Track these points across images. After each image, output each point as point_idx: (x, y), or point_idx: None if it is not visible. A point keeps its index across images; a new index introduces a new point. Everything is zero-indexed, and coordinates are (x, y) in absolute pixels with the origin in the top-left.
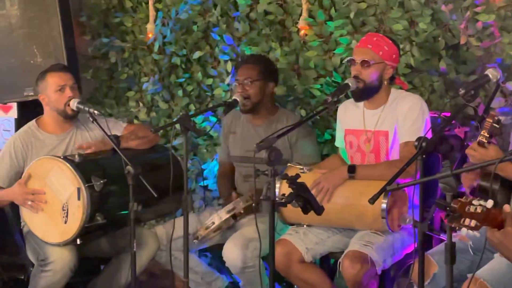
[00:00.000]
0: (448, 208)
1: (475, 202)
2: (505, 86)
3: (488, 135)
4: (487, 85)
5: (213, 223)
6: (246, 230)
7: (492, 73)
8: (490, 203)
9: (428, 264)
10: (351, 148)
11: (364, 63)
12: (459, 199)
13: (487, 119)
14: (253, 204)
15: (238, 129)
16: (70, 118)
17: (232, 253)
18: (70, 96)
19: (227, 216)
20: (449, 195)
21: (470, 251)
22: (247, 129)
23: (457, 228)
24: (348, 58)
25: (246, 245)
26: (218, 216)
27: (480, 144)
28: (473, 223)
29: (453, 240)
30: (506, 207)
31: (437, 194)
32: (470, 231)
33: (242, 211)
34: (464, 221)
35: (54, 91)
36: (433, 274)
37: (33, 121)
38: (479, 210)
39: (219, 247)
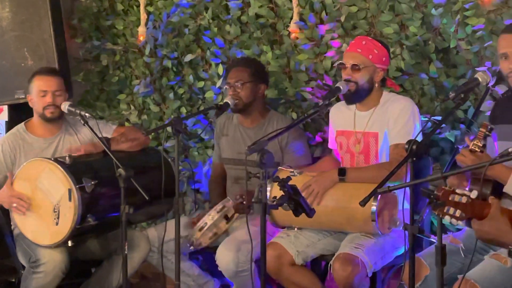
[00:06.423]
0: (431, 196)
1: (458, 191)
2: (495, 89)
3: (481, 145)
4: (477, 88)
5: (206, 223)
6: (238, 233)
7: (482, 76)
8: (474, 194)
9: (419, 267)
10: (341, 149)
11: (354, 67)
12: (443, 187)
13: (480, 129)
14: (244, 202)
15: (230, 131)
16: (50, 121)
17: (225, 257)
18: (50, 102)
19: (218, 215)
20: (433, 187)
21: (462, 253)
22: (239, 131)
23: (440, 215)
24: (338, 62)
25: (238, 249)
26: (210, 216)
27: (472, 152)
28: (458, 213)
29: (444, 242)
30: (491, 199)
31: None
32: (454, 220)
33: (232, 210)
34: (448, 210)
35: (36, 94)
36: (424, 276)
37: (22, 123)
38: (463, 200)
39: (210, 250)
